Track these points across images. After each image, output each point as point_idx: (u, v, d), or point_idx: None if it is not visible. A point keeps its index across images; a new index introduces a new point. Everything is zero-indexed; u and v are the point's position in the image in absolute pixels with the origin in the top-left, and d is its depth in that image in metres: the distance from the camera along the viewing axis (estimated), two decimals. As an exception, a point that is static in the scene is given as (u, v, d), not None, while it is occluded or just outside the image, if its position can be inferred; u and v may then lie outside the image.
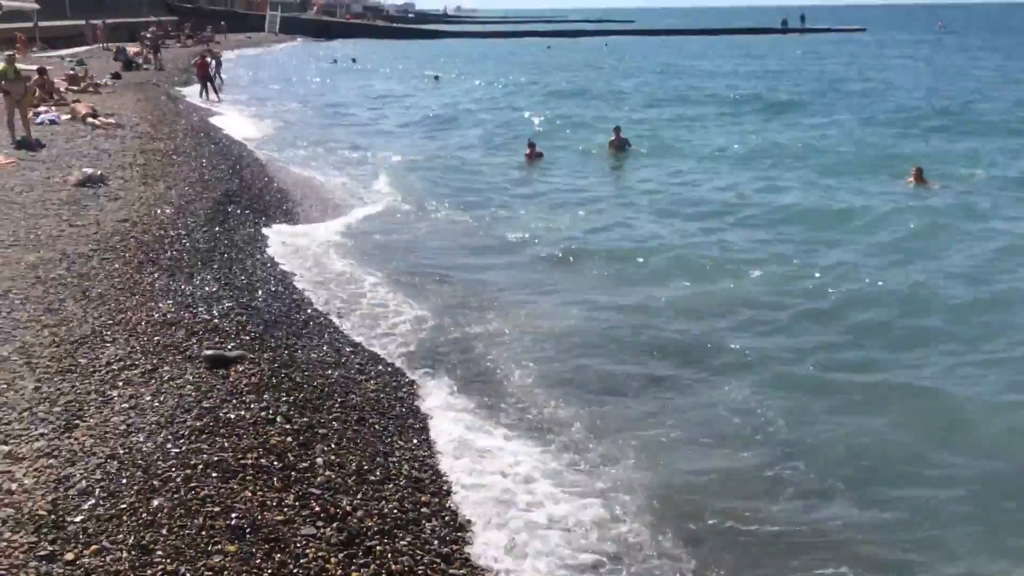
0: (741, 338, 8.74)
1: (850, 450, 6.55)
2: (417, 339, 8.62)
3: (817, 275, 10.65)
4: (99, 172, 13.68)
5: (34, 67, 24.45)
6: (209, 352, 7.09)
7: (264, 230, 12.15)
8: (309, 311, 8.98)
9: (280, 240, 11.80)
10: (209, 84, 29.91)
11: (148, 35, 47.33)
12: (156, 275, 9.21)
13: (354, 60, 55.51)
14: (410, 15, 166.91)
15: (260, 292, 9.21)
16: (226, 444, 5.65)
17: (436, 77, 42.91)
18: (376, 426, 6.43)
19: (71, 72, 28.35)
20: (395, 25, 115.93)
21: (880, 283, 10.35)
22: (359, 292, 10.00)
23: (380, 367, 7.68)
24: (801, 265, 11.18)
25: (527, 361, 8.11)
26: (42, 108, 20.12)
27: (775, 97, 32.18)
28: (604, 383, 7.77)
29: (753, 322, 9.26)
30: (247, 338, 7.66)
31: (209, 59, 31.74)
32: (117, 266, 9.32)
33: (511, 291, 10.43)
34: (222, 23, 75.86)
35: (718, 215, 14.36)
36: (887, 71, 44.32)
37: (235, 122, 24.57)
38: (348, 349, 7.98)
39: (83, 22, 50.67)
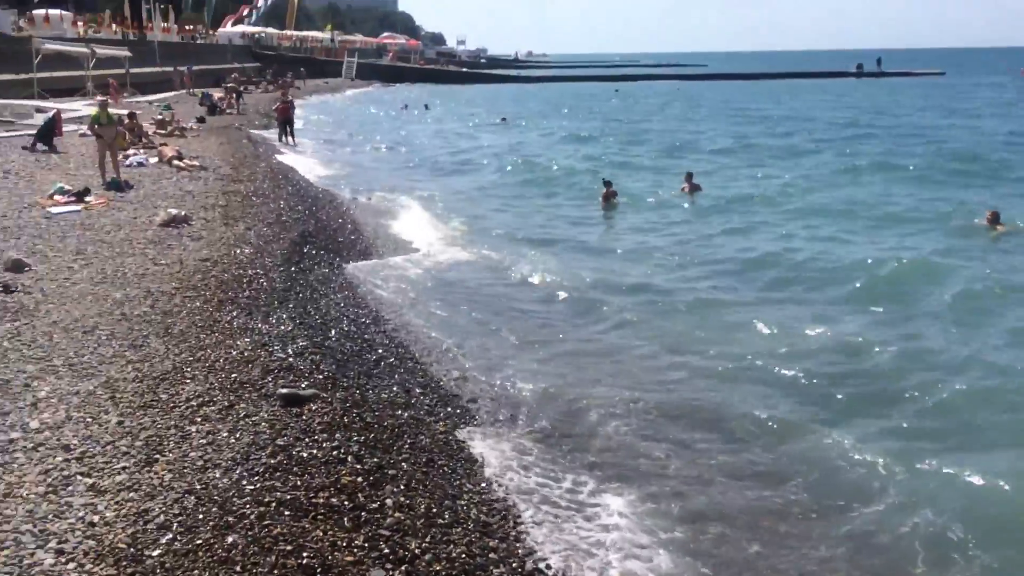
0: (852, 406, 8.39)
1: None
2: (488, 382, 8.63)
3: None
4: (183, 213, 14.19)
5: (125, 112, 25.62)
6: (284, 390, 7.23)
7: (338, 270, 12.39)
8: (380, 351, 9.08)
9: (353, 280, 12.01)
10: (288, 128, 30.84)
11: (232, 81, 49.17)
12: (235, 313, 9.46)
13: (427, 106, 56.68)
14: (482, 60, 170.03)
15: (333, 331, 9.37)
16: (299, 483, 5.72)
17: (503, 119, 43.62)
18: (445, 468, 6.43)
19: (159, 116, 29.62)
20: (466, 70, 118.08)
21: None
22: (430, 332, 10.09)
23: (449, 409, 7.71)
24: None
25: (605, 411, 8.01)
26: (131, 151, 21.02)
27: (849, 145, 31.53)
28: (680, 433, 7.64)
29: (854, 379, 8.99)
30: (320, 377, 7.79)
31: (289, 103, 32.77)
32: (198, 304, 9.61)
33: (588, 338, 10.38)
34: (301, 69, 78.43)
35: (793, 269, 13.67)
36: (967, 116, 43.29)
37: (312, 164, 25.28)
38: (418, 390, 8.04)
39: (171, 69, 53.00)
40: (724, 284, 12.89)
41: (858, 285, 12.34)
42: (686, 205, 19.91)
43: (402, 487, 5.92)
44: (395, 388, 7.96)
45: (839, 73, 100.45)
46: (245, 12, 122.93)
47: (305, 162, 25.66)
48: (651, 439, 7.48)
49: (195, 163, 20.66)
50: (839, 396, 8.40)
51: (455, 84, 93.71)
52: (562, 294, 12.02)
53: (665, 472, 6.87)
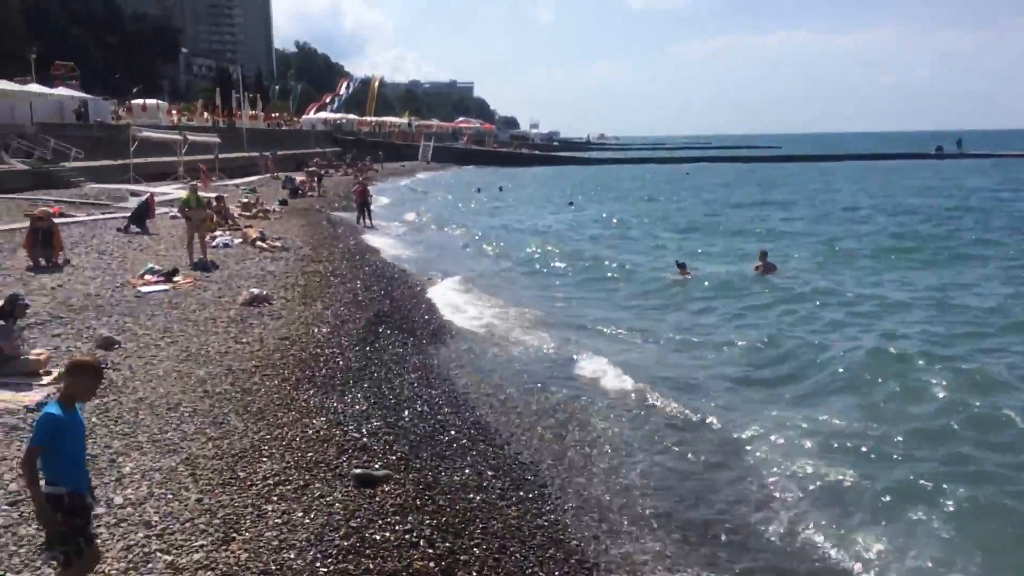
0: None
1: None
2: (558, 467, 8.54)
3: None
4: (264, 292, 14.63)
5: (214, 195, 26.80)
6: (358, 471, 7.27)
7: (411, 350, 12.53)
8: (453, 432, 9.07)
9: (426, 361, 12.12)
10: (366, 210, 31.75)
11: (313, 165, 51.07)
12: (311, 392, 9.62)
13: (501, 188, 57.77)
14: (554, 143, 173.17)
15: (407, 412, 9.43)
16: (371, 566, 5.71)
17: (571, 204, 43.98)
18: (517, 555, 6.33)
19: (244, 199, 30.88)
20: (539, 153, 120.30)
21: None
22: (501, 415, 10.06)
23: (521, 493, 7.62)
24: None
25: (675, 502, 7.83)
26: (218, 232, 21.89)
27: (937, 233, 30.58)
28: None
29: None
30: (393, 458, 7.82)
31: (365, 187, 33.85)
32: (276, 382, 9.82)
33: (656, 428, 10.22)
34: (379, 153, 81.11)
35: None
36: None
37: (388, 245, 25.88)
38: (490, 473, 7.98)
39: (257, 154, 55.36)
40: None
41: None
42: (761, 287, 19.64)
43: (474, 574, 5.84)
44: (467, 471, 7.92)
45: (918, 155, 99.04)
46: (328, 100, 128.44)
47: (381, 243, 26.30)
48: (663, 527, 7.27)
49: (277, 244, 21.38)
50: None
51: (528, 166, 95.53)
52: (629, 382, 11.84)
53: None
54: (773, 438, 9.46)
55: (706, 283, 19.93)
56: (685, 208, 43.07)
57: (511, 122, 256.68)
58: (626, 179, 71.29)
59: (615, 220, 36.48)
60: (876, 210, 39.20)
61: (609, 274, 21.99)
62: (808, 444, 9.31)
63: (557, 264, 23.77)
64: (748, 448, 9.27)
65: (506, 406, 10.48)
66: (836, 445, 9.27)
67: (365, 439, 8.23)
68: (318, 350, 11.50)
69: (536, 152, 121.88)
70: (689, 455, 9.07)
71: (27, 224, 17.50)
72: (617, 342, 14.35)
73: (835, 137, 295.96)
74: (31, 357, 9.34)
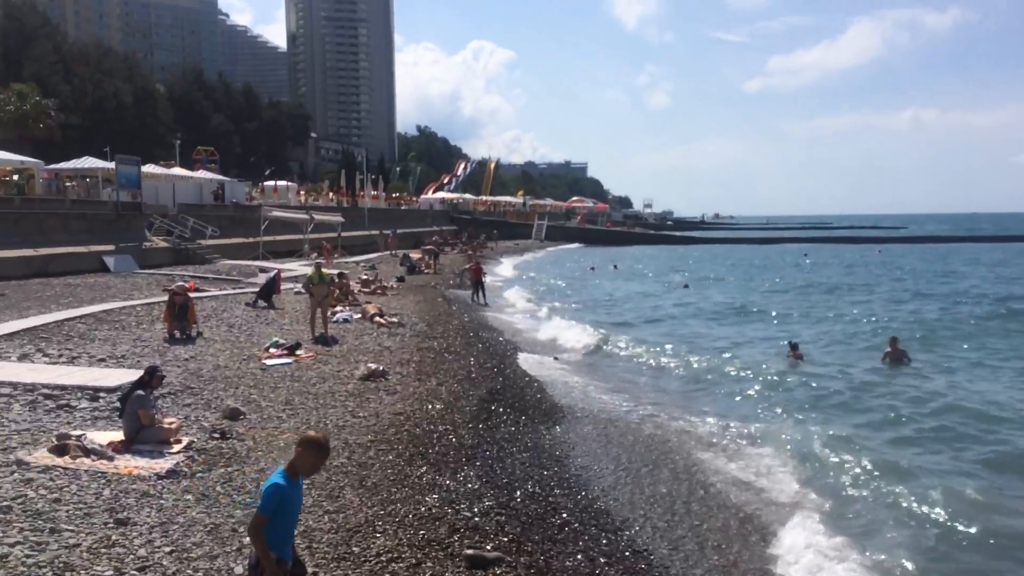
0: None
1: None
2: (671, 557, 8.24)
3: None
4: (381, 367, 14.96)
5: (336, 272, 27.86)
6: (469, 552, 7.21)
7: (523, 429, 12.48)
8: (564, 515, 8.92)
9: (538, 440, 12.03)
10: (480, 287, 32.27)
11: (431, 243, 52.51)
12: (424, 468, 9.69)
13: (615, 266, 57.78)
14: (668, 222, 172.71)
15: (518, 492, 9.35)
16: (481, 651, 5.60)
17: (686, 286, 43.36)
18: (631, 649, 6.09)
19: (364, 276, 31.96)
20: (652, 232, 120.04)
21: None
22: (613, 499, 9.83)
23: (635, 583, 7.38)
24: None
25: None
26: (339, 308, 22.65)
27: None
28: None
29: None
30: (505, 539, 7.73)
31: (479, 265, 34.47)
32: (391, 458, 9.94)
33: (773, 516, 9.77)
34: (494, 231, 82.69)
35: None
36: None
37: (502, 322, 26.09)
38: (603, 560, 7.77)
39: (377, 232, 57.45)
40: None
41: None
42: (885, 369, 18.77)
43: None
44: (579, 556, 7.75)
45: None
46: (446, 180, 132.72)
47: (496, 320, 26.56)
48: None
49: (394, 320, 21.92)
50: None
51: (641, 245, 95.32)
52: (738, 467, 11.39)
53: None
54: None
55: (822, 369, 19.14)
56: (801, 288, 41.91)
57: (625, 201, 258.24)
58: (741, 259, 70.09)
59: (729, 302, 35.79)
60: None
61: (724, 354, 21.45)
62: None
63: (669, 346, 23.39)
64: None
65: (618, 490, 10.25)
66: None
67: (477, 519, 8.19)
68: (432, 426, 11.62)
69: (650, 231, 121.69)
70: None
71: (166, 298, 18.58)
72: (727, 428, 13.90)
73: (965, 217, 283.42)
74: (164, 426, 9.79)
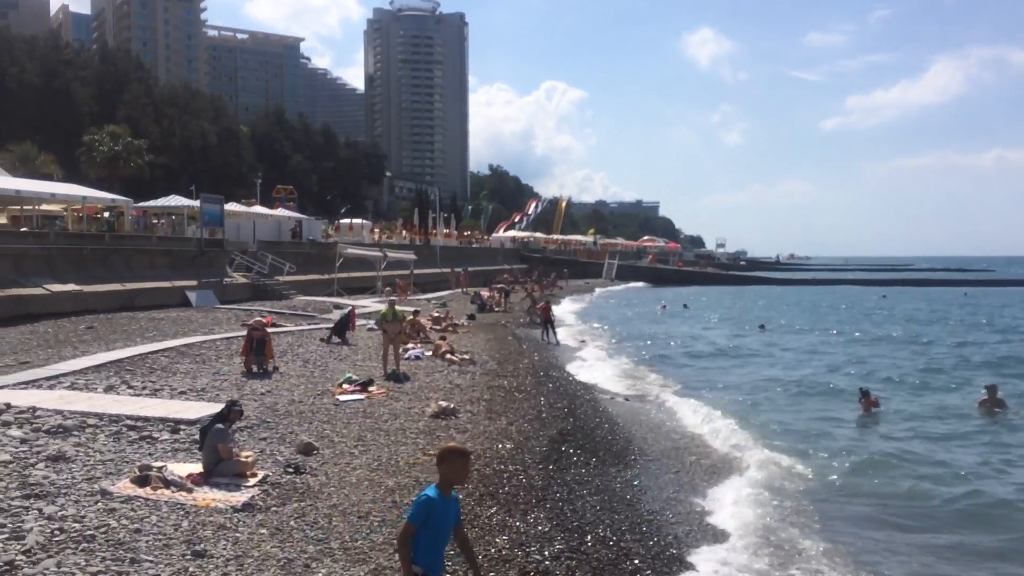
0: None
1: None
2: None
3: None
4: (452, 405, 15.02)
5: (410, 309, 28.21)
6: (539, 596, 7.12)
7: (595, 471, 12.32)
8: (636, 561, 8.74)
9: (610, 482, 11.86)
10: (550, 326, 32.24)
11: (502, 281, 52.79)
12: (494, 509, 9.64)
13: (685, 305, 57.14)
14: (741, 262, 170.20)
15: (589, 536, 9.21)
16: None
17: (761, 326, 42.52)
18: None
19: (435, 313, 32.25)
20: (725, 272, 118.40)
21: None
22: (691, 548, 9.60)
23: (710, 635, 7.17)
24: None
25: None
26: (411, 344, 22.89)
27: None
28: None
29: None
30: (575, 585, 7.61)
31: (548, 304, 34.53)
32: (460, 497, 9.87)
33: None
34: (565, 270, 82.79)
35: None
36: None
37: (573, 361, 25.97)
38: (676, 610, 7.59)
39: (449, 270, 58.05)
40: None
41: None
42: (983, 422, 17.93)
43: None
44: (651, 605, 7.57)
45: None
46: (517, 218, 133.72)
47: (566, 359, 26.46)
48: None
49: (465, 357, 22.03)
50: None
51: (713, 285, 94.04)
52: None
53: None
54: None
55: (903, 421, 18.26)
56: (879, 330, 40.70)
57: (696, 241, 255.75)
58: (818, 300, 68.47)
59: (803, 344, 34.97)
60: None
61: (793, 406, 20.88)
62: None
63: (740, 397, 22.90)
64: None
65: (692, 537, 10.00)
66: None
67: (547, 562, 8.10)
68: (502, 466, 11.57)
69: (723, 271, 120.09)
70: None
71: (244, 333, 19.07)
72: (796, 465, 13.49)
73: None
74: (241, 459, 9.99)
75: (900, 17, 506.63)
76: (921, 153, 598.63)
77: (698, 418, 17.45)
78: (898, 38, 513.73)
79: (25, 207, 38.25)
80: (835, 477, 13.27)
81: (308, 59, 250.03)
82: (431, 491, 5.04)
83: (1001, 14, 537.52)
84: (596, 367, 25.60)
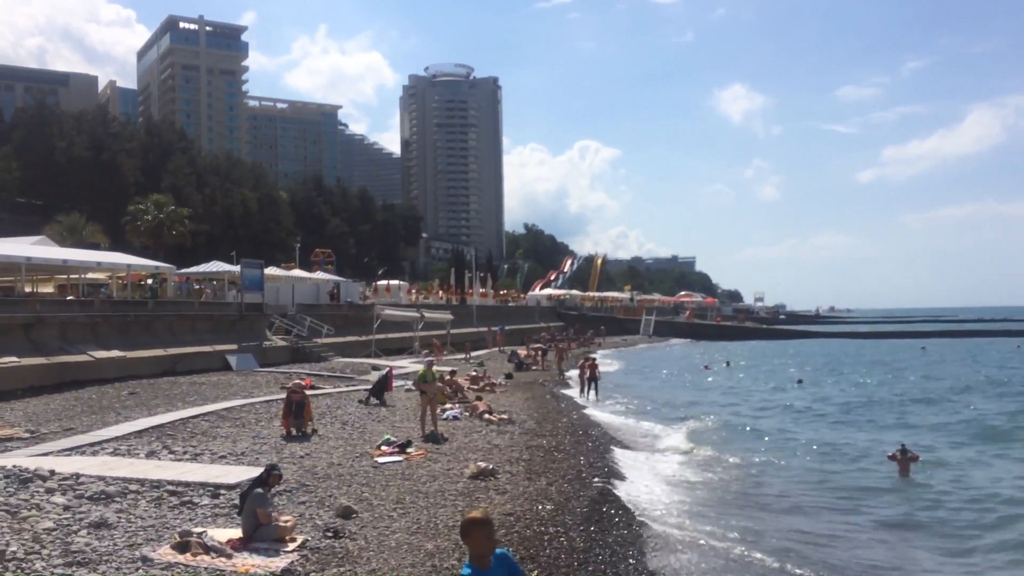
0: None
1: None
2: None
3: None
4: (490, 466, 14.86)
5: (448, 369, 28.20)
6: (583, 664, 6.93)
7: (636, 531, 12.06)
8: (682, 627, 8.50)
9: (652, 543, 11.60)
10: (594, 384, 32.00)
11: (539, 340, 52.64)
12: (536, 573, 9.46)
13: (727, 363, 56.45)
14: (780, 316, 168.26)
15: (633, 601, 8.98)
16: None
17: (800, 381, 41.91)
18: None
19: (473, 373, 32.20)
20: (763, 327, 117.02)
21: None
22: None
23: None
24: None
25: None
26: (448, 404, 22.82)
27: None
28: None
29: None
30: (620, 652, 7.39)
31: (593, 361, 34.30)
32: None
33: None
34: (602, 327, 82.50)
35: None
36: None
37: (613, 421, 25.66)
38: None
39: (485, 329, 58.10)
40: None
41: None
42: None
43: None
44: (699, 673, 7.32)
45: None
46: (553, 277, 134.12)
47: (606, 418, 26.16)
48: None
49: (504, 416, 21.89)
50: None
51: (752, 340, 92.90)
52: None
53: None
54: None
55: (948, 486, 17.18)
56: (924, 387, 39.80)
57: (734, 295, 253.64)
58: (859, 354, 67.32)
59: (845, 400, 34.26)
60: None
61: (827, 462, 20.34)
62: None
63: (786, 463, 22.42)
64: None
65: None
66: None
67: (590, 628, 7.88)
68: (542, 528, 11.38)
69: (762, 326, 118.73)
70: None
71: (284, 395, 19.18)
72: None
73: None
74: (280, 524, 9.95)
75: (933, 68, 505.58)
76: (960, 203, 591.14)
77: (733, 475, 17.07)
78: (932, 89, 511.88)
79: (71, 276, 39.24)
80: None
81: (345, 125, 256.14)
82: (466, 570, 4.89)
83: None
84: (638, 425, 25.26)
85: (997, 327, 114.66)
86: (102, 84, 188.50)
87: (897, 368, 52.17)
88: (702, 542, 12.01)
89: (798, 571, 10.88)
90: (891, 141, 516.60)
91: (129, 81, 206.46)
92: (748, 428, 25.89)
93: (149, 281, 44.19)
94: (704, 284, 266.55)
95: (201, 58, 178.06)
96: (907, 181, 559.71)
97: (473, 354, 45.86)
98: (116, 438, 16.56)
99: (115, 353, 28.95)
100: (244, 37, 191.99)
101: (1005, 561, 11.88)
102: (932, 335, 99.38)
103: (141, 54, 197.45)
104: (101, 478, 12.59)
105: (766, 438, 23.72)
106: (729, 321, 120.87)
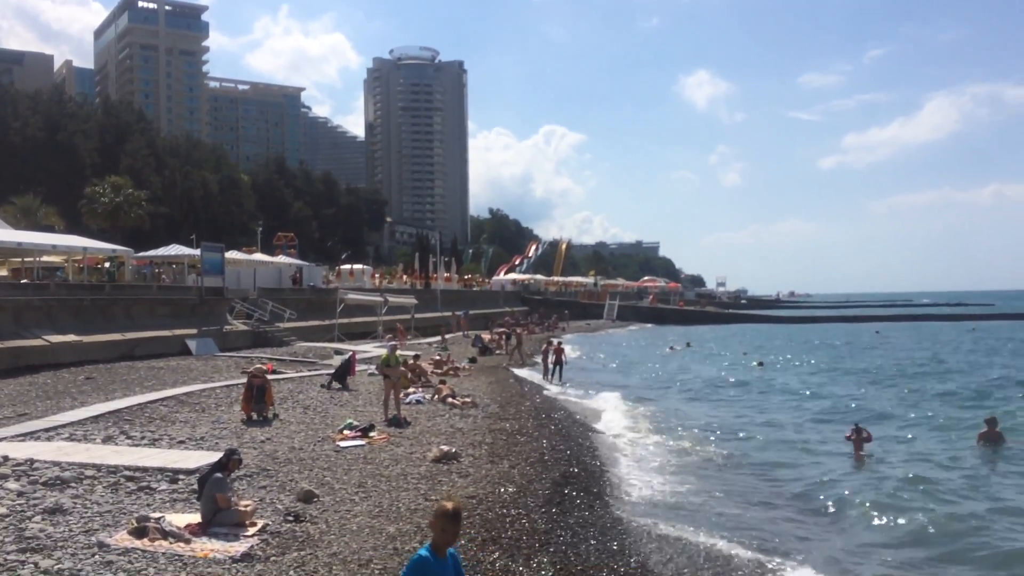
0: None
1: None
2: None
3: None
4: (453, 450, 14.88)
5: (412, 354, 28.12)
6: (543, 643, 6.98)
7: (599, 513, 12.16)
8: (642, 607, 8.61)
9: (613, 526, 11.70)
10: (559, 368, 32.13)
11: (503, 324, 52.72)
12: (497, 554, 9.50)
13: (688, 344, 57.09)
14: (742, 300, 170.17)
15: (593, 581, 9.07)
16: None
17: (760, 363, 42.67)
18: None
19: (436, 357, 32.15)
20: (726, 311, 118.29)
21: None
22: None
23: None
24: None
25: None
26: (412, 389, 22.77)
27: None
28: None
29: None
30: (580, 631, 7.46)
31: (561, 345, 34.42)
32: (463, 542, 9.74)
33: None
34: (566, 312, 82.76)
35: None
36: None
37: (575, 404, 25.80)
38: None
39: (450, 313, 58.01)
40: None
41: None
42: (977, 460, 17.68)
43: None
44: (658, 651, 7.42)
45: None
46: (517, 261, 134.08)
47: (569, 401, 26.29)
48: None
49: (467, 400, 21.90)
50: None
51: (714, 324, 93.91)
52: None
53: None
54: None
55: (897, 468, 17.25)
56: (876, 367, 40.57)
57: (697, 280, 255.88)
58: (817, 337, 68.42)
59: (800, 382, 34.82)
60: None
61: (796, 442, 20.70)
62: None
63: (742, 434, 22.75)
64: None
65: (698, 580, 9.85)
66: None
67: (551, 609, 7.94)
68: (504, 510, 11.43)
69: (724, 310, 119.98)
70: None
71: (244, 380, 18.99)
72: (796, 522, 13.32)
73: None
74: (240, 509, 9.87)
75: (894, 56, 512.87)
76: (919, 190, 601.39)
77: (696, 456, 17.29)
78: (892, 77, 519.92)
79: (26, 259, 38.41)
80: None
81: (308, 108, 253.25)
82: (425, 551, 4.91)
83: (994, 51, 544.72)
84: (600, 407, 25.42)
85: (951, 311, 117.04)
86: (58, 63, 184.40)
87: (858, 350, 53.05)
88: (664, 526, 12.14)
89: (756, 555, 11.05)
90: (852, 128, 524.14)
91: (86, 61, 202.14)
92: (706, 408, 26.22)
93: (106, 264, 43.40)
94: (668, 269, 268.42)
95: (160, 38, 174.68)
96: (868, 168, 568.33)
97: (438, 338, 45.76)
98: (72, 423, 16.30)
99: (71, 337, 28.43)
100: (204, 17, 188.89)
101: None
102: (888, 319, 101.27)
103: (98, 33, 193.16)
104: (56, 464, 12.39)
105: (726, 418, 24.02)
106: (692, 306, 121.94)
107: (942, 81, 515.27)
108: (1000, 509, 13.38)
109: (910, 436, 20.57)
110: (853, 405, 26.29)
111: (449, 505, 5.04)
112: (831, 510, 13.61)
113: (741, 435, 21.11)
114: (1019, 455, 17.76)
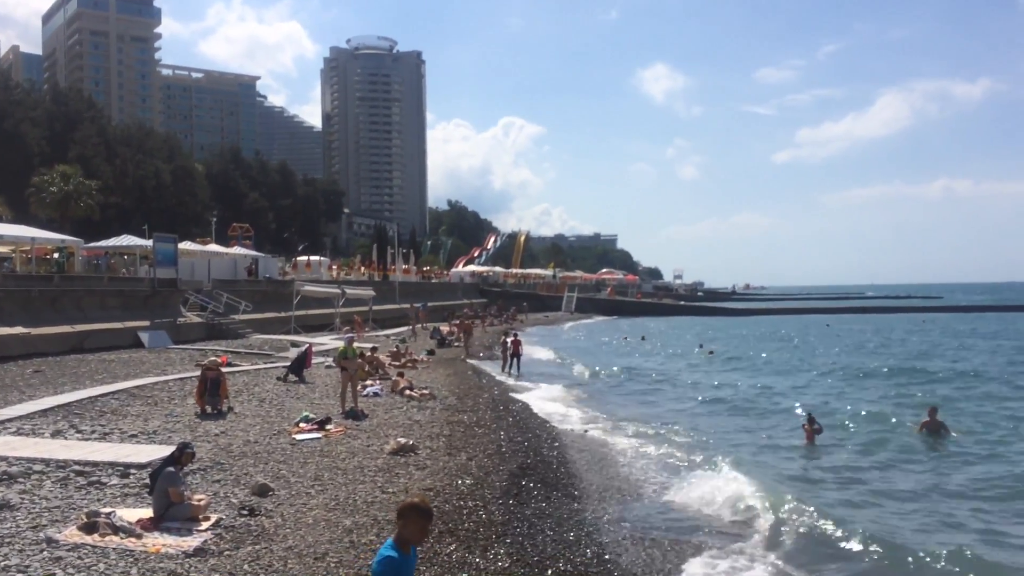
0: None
1: None
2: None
3: None
4: (411, 442, 14.85)
5: (369, 346, 27.95)
6: (499, 634, 7.01)
7: (556, 505, 12.24)
8: (597, 596, 8.69)
9: (570, 516, 11.78)
10: (516, 360, 32.18)
11: (462, 316, 52.62)
12: (453, 546, 9.52)
13: (643, 337, 57.57)
14: (699, 293, 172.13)
15: (550, 571, 9.13)
16: None
17: (711, 352, 43.87)
18: None
19: (394, 349, 32.02)
20: (682, 303, 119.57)
21: None
22: (649, 579, 9.56)
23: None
24: None
25: None
26: (369, 381, 22.66)
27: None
28: None
29: None
30: (536, 621, 7.51)
31: (518, 337, 34.47)
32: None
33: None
34: (524, 304, 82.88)
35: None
36: None
37: (532, 395, 25.86)
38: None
39: (408, 305, 57.75)
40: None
41: None
42: (922, 445, 18.20)
43: None
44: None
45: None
46: (476, 253, 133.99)
47: (526, 393, 26.34)
48: None
49: (425, 392, 21.86)
50: None
51: (671, 316, 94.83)
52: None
53: None
54: None
55: (848, 445, 18.38)
56: (830, 357, 41.38)
57: (655, 273, 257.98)
58: (771, 329, 69.50)
59: (752, 375, 35.35)
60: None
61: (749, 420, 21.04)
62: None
63: (696, 420, 23.03)
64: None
65: (653, 569, 9.96)
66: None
67: (507, 599, 7.98)
68: (461, 502, 11.45)
69: (680, 302, 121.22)
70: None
71: (198, 373, 18.73)
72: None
73: (1005, 286, 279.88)
74: (193, 503, 9.75)
75: (847, 52, 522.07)
76: (871, 184, 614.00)
77: (652, 440, 17.46)
78: (845, 72, 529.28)
79: (-29, 249, 37.39)
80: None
81: (264, 97, 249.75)
82: (389, 550, 4.73)
83: (943, 48, 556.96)
84: (561, 402, 25.52)
85: (901, 303, 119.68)
86: (4, 49, 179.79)
87: (808, 341, 53.98)
88: (624, 520, 12.26)
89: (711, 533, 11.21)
90: (806, 123, 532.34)
91: (33, 46, 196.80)
92: (665, 395, 26.51)
93: (55, 255, 42.40)
94: (626, 262, 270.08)
95: (111, 23, 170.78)
96: (821, 162, 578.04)
97: (396, 331, 45.56)
98: (19, 417, 15.94)
99: (18, 330, 27.77)
100: (156, 2, 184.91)
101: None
102: (839, 311, 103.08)
103: (46, 18, 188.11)
104: (3, 458, 12.13)
105: (687, 402, 24.32)
106: (649, 298, 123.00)
107: (893, 77, 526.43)
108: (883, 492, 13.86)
109: (851, 426, 20.99)
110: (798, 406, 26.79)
111: (426, 503, 4.95)
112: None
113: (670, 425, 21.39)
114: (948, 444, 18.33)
